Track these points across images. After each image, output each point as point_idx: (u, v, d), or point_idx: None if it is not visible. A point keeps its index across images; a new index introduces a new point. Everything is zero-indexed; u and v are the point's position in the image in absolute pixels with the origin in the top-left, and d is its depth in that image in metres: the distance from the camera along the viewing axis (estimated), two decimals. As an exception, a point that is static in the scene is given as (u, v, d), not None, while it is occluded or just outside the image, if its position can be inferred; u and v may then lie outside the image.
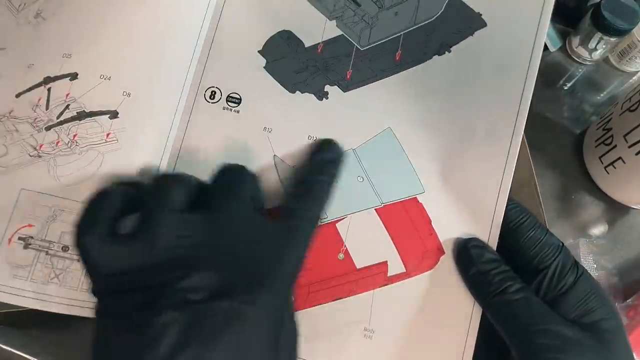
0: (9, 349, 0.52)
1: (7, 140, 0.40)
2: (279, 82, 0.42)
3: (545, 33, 0.40)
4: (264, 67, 0.42)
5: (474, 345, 0.38)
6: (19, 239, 0.38)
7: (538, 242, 0.38)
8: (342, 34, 0.42)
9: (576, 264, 0.38)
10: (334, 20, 0.42)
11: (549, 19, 0.40)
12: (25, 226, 0.39)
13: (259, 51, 0.42)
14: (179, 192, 0.34)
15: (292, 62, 0.42)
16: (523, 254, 0.38)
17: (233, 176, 0.36)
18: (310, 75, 0.42)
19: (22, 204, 0.39)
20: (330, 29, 0.42)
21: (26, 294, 0.38)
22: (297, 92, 0.42)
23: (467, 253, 0.38)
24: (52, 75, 0.41)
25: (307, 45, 0.42)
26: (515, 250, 0.39)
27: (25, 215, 0.39)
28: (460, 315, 0.39)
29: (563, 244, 0.39)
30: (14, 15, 0.44)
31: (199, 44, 0.43)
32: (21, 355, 0.52)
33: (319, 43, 0.42)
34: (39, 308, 0.38)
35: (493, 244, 0.39)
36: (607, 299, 0.37)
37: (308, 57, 0.42)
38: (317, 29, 0.42)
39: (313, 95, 0.41)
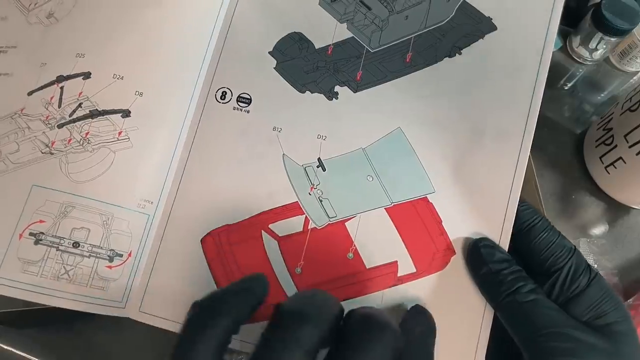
0: (9, 348, 0.53)
1: (19, 137, 0.41)
2: (289, 82, 0.43)
3: (554, 35, 0.41)
4: (274, 68, 0.43)
5: (485, 347, 0.38)
6: (30, 234, 0.39)
7: (551, 244, 0.38)
8: (353, 36, 0.43)
9: (589, 267, 0.38)
10: (345, 23, 0.43)
11: (559, 22, 0.41)
12: (36, 222, 0.39)
13: (269, 52, 0.44)
14: (312, 335, 0.29)
15: (302, 63, 0.43)
16: (535, 255, 0.38)
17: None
18: (320, 75, 0.43)
19: (33, 200, 0.40)
20: (340, 32, 0.43)
21: (36, 290, 0.39)
22: (307, 92, 0.43)
23: (477, 252, 0.38)
24: (65, 74, 0.42)
25: (317, 46, 0.43)
26: (526, 252, 0.39)
27: (36, 211, 0.40)
28: (471, 317, 0.39)
29: (575, 246, 0.38)
30: (24, 14, 0.45)
31: (210, 45, 0.44)
32: (21, 355, 0.53)
33: (329, 45, 0.43)
34: (48, 304, 0.39)
35: (504, 244, 0.39)
36: (620, 301, 0.37)
37: (318, 58, 0.43)
38: (327, 31, 0.43)
39: (323, 96, 0.42)
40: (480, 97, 0.41)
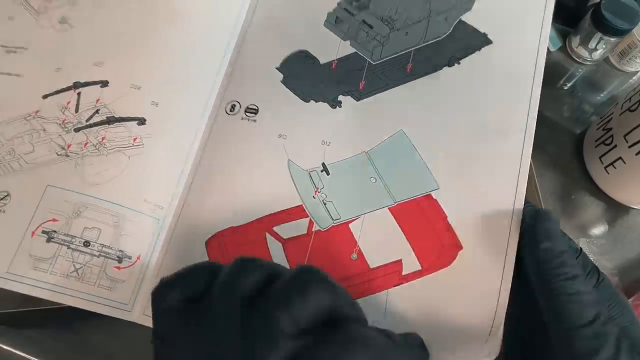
0: (9, 349, 0.53)
1: (34, 139, 0.43)
2: (294, 93, 0.46)
3: (546, 46, 0.44)
4: (281, 81, 0.47)
5: (500, 337, 0.38)
6: (43, 232, 0.41)
7: None
8: (356, 52, 0.47)
9: (596, 269, 0.38)
10: (348, 40, 0.47)
11: (549, 34, 0.44)
12: (49, 221, 0.41)
13: (277, 67, 0.47)
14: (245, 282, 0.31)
15: (307, 77, 0.46)
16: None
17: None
18: (324, 87, 0.46)
19: (47, 199, 0.41)
20: (344, 48, 0.47)
21: (45, 286, 0.40)
22: (312, 101, 0.46)
23: (545, 225, 0.37)
24: (82, 81, 0.45)
25: (322, 62, 0.47)
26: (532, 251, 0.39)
27: (50, 210, 0.41)
28: (481, 313, 0.39)
29: (582, 248, 0.39)
30: (33, 16, 0.48)
31: (224, 62, 0.48)
32: (21, 355, 0.53)
33: (333, 60, 0.47)
34: (56, 300, 0.40)
35: (514, 240, 0.39)
36: (627, 304, 0.37)
37: (323, 72, 0.46)
38: (331, 48, 0.47)
39: (327, 104, 0.45)
40: (480, 100, 0.44)
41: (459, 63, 0.45)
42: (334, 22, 0.48)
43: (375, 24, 0.47)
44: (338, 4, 0.48)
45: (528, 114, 0.42)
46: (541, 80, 0.43)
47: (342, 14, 0.48)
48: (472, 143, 0.42)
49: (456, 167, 0.42)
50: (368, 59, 0.46)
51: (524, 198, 0.40)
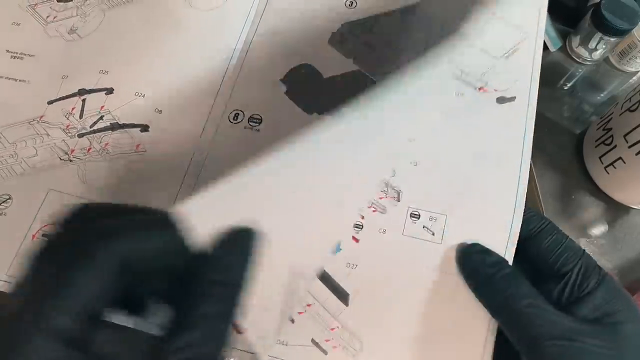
0: None
1: (37, 143, 0.45)
2: (298, 105, 0.47)
3: (537, 84, 0.45)
4: (285, 93, 0.48)
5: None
6: (43, 235, 0.42)
7: (560, 244, 0.39)
8: (359, 69, 0.48)
9: (599, 268, 0.38)
10: (351, 58, 0.49)
11: (539, 74, 0.45)
12: (50, 224, 0.42)
13: (280, 80, 0.48)
14: None
15: (310, 90, 0.48)
16: (546, 257, 0.39)
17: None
18: (327, 100, 0.47)
19: (49, 203, 0.42)
20: (347, 64, 0.48)
21: None
22: (315, 113, 0.47)
23: (469, 258, 0.39)
24: (87, 88, 0.46)
25: (325, 76, 0.48)
26: (536, 256, 0.40)
27: (51, 214, 0.42)
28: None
29: (585, 249, 0.39)
30: (41, 25, 0.50)
31: (228, 72, 0.49)
32: None
33: (336, 75, 0.48)
34: None
35: (510, 252, 0.39)
36: (632, 302, 0.37)
37: (326, 86, 0.48)
38: (335, 64, 0.49)
39: (330, 116, 0.46)
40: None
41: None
42: (338, 41, 0.50)
43: (378, 46, 0.49)
44: (342, 25, 0.50)
45: (524, 141, 0.42)
46: (535, 109, 0.43)
47: (346, 35, 0.50)
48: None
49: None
50: (371, 77, 0.48)
51: (522, 208, 0.40)
